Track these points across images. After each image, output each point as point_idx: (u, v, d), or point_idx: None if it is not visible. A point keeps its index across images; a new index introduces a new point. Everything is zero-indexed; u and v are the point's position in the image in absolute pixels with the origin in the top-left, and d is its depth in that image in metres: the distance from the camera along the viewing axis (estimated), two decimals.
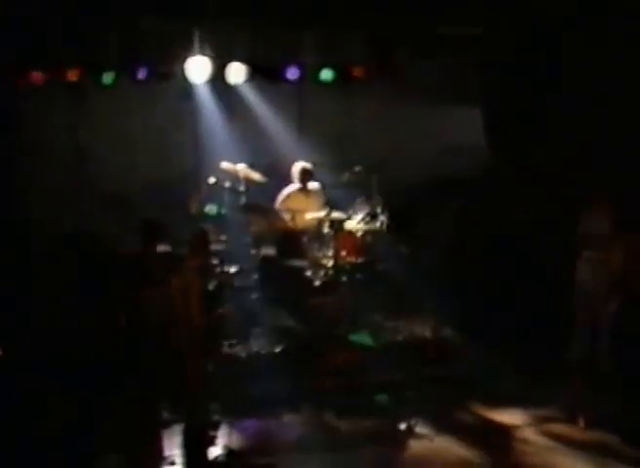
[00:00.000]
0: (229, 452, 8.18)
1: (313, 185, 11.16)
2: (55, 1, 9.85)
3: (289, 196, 11.09)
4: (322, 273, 10.56)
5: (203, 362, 8.20)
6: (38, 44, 10.06)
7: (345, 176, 11.12)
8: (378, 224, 10.95)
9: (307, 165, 11.05)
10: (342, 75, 11.35)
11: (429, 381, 9.57)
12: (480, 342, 10.19)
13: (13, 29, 9.86)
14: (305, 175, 11.05)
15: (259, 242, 10.92)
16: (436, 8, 10.64)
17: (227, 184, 10.91)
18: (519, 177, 11.51)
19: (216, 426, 8.26)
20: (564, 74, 10.95)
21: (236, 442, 8.34)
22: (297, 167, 11.07)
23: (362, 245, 10.83)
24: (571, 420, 8.83)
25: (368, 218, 10.94)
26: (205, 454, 8.05)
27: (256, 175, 11.05)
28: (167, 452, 7.98)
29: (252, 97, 11.55)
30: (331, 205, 10.98)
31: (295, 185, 11.12)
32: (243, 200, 10.93)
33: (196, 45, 10.66)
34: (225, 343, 9.59)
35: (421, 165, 11.73)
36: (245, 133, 11.61)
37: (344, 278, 10.57)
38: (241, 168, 11.01)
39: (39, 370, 8.44)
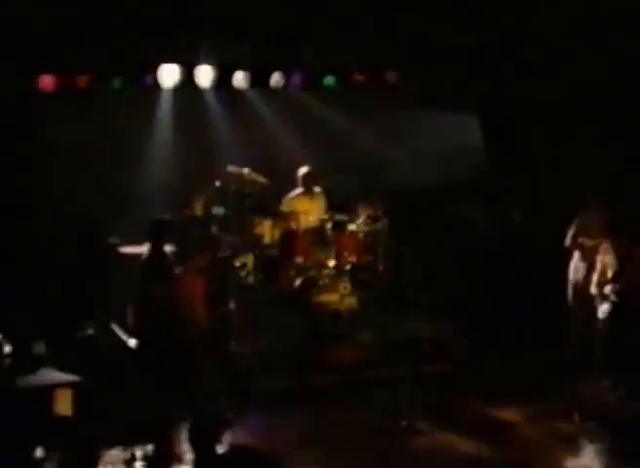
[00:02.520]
0: (234, 449, 8.28)
1: (316, 188, 11.31)
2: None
3: (293, 199, 11.23)
4: (324, 273, 10.75)
5: (208, 359, 8.28)
6: (49, 49, 10.12)
7: (347, 179, 11.31)
8: (379, 226, 11.13)
9: (311, 169, 11.20)
10: (344, 81, 11.49)
11: (429, 378, 9.66)
12: (478, 340, 10.34)
13: (24, 34, 9.91)
14: (309, 179, 11.18)
15: (263, 243, 11.08)
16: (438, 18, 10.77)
17: (233, 187, 11.09)
18: (516, 180, 11.62)
19: (221, 423, 8.35)
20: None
21: (241, 439, 8.33)
22: (301, 171, 11.23)
23: (363, 245, 11.00)
24: (567, 416, 8.91)
25: (369, 220, 11.13)
26: (211, 451, 8.17)
27: (260, 178, 11.21)
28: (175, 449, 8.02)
29: (256, 102, 11.68)
30: (333, 207, 11.20)
31: (299, 188, 11.26)
32: (248, 202, 11.10)
33: (201, 53, 10.80)
34: (230, 341, 9.73)
35: (422, 167, 11.83)
36: (250, 137, 11.71)
37: (346, 277, 10.72)
38: (246, 171, 11.18)
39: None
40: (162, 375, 8.23)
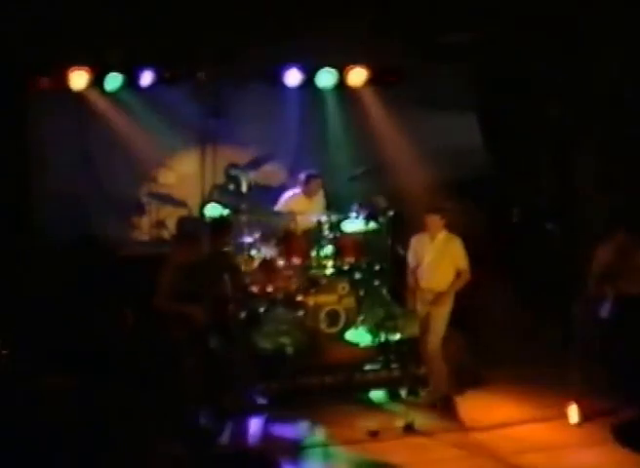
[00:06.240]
0: (233, 449, 8.29)
1: (316, 188, 11.25)
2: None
3: (291, 198, 11.19)
4: (322, 273, 10.73)
5: (201, 360, 8.30)
6: (46, 48, 10.12)
7: (346, 178, 11.32)
8: (377, 226, 11.11)
9: (314, 172, 11.14)
10: (343, 79, 11.49)
11: (426, 378, 9.61)
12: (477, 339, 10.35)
13: (19, 34, 9.92)
14: (312, 182, 11.14)
15: (260, 243, 11.05)
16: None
17: (231, 187, 11.07)
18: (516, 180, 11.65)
19: (220, 423, 8.36)
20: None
21: (240, 439, 8.43)
22: (303, 175, 11.14)
23: (362, 246, 10.97)
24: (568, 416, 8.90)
25: (367, 220, 11.12)
26: (210, 451, 8.18)
27: (259, 178, 11.21)
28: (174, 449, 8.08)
29: (257, 99, 11.66)
30: (331, 207, 11.18)
31: (297, 188, 11.23)
32: (246, 202, 11.08)
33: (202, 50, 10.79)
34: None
35: (421, 166, 11.84)
36: (250, 135, 11.72)
37: (344, 278, 10.70)
38: (246, 171, 11.19)
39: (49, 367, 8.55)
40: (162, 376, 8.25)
